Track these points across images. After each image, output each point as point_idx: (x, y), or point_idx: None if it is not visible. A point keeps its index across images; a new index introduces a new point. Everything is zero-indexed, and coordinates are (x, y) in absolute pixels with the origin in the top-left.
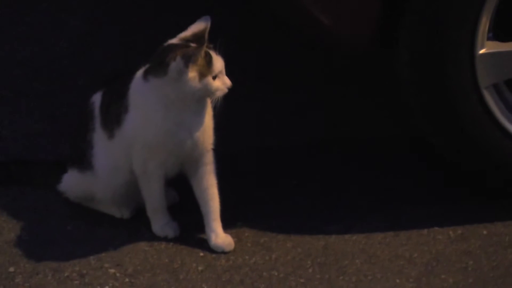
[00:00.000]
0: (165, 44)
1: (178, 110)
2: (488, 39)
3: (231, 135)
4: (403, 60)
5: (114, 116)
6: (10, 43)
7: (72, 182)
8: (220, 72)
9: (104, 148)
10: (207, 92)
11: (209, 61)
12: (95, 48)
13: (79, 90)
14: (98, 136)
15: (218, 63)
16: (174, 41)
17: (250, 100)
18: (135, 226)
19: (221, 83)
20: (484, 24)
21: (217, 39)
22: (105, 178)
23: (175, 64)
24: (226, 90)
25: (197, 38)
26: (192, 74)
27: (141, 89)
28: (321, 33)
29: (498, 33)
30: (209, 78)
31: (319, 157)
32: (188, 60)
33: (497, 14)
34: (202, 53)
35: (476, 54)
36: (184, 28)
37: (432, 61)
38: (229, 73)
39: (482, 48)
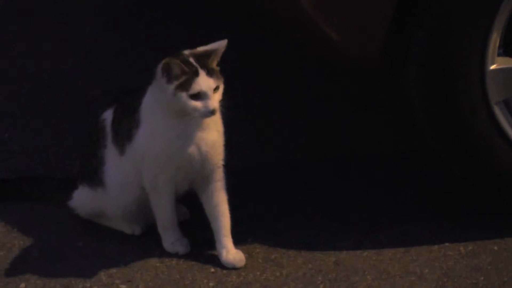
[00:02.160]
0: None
1: (182, 123)
2: (499, 55)
3: (240, 150)
4: (413, 76)
5: (125, 131)
6: (18, 59)
7: (82, 199)
8: (204, 93)
9: (115, 165)
10: (181, 108)
11: (190, 78)
12: (103, 64)
13: (87, 106)
14: (110, 152)
15: (202, 83)
16: (186, 51)
17: (261, 115)
18: (146, 243)
19: (201, 105)
20: (494, 40)
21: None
22: (116, 194)
23: (159, 67)
24: (206, 113)
25: (203, 56)
26: (168, 85)
27: (150, 101)
28: (330, 49)
29: (508, 49)
30: (184, 94)
31: (328, 172)
32: (164, 69)
33: (508, 29)
34: (177, 67)
35: (486, 70)
36: (193, 43)
37: (442, 77)
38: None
39: (492, 64)
